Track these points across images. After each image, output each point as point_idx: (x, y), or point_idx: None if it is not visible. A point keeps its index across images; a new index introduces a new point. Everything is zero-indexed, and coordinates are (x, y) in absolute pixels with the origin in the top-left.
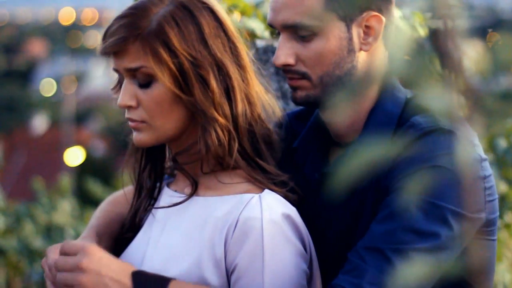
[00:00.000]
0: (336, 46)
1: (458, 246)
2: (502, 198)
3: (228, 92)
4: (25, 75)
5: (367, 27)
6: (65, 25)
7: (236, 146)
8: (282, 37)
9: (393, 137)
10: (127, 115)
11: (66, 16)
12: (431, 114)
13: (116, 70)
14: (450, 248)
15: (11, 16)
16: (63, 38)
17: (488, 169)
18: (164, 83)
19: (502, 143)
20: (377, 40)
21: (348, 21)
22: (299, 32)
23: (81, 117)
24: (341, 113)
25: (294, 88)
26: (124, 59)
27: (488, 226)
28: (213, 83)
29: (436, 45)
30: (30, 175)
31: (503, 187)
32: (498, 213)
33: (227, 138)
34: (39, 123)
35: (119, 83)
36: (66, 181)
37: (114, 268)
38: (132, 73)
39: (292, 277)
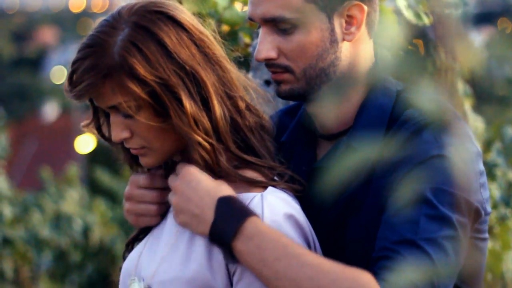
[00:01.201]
0: (318, 38)
1: (468, 235)
2: (510, 186)
3: (205, 101)
4: (35, 63)
5: (349, 16)
6: (76, 12)
7: (222, 157)
8: (262, 30)
9: (387, 131)
10: (125, 145)
11: (77, 3)
12: (425, 108)
13: (97, 107)
14: (466, 236)
15: (21, 4)
16: (74, 25)
17: (481, 164)
18: (141, 119)
19: (510, 131)
20: (360, 29)
21: (329, 11)
22: (279, 26)
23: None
24: (327, 106)
25: (278, 82)
26: (101, 100)
27: (481, 223)
28: (187, 103)
29: (438, 34)
30: (41, 163)
31: (511, 175)
32: (490, 211)
33: (212, 154)
34: (50, 110)
35: (94, 118)
36: (74, 170)
37: (201, 194)
38: (115, 108)
39: None
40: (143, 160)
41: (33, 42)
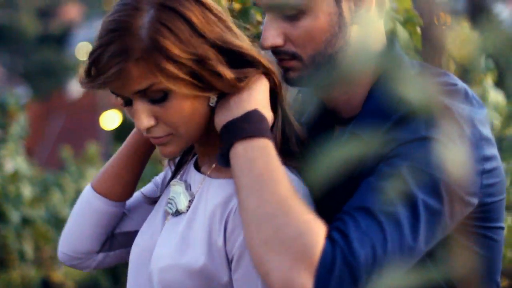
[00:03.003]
0: (326, 23)
1: (445, 224)
2: None
3: (244, 63)
4: (61, 39)
5: None
6: None
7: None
8: (268, 17)
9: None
10: (148, 134)
11: None
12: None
13: (118, 95)
14: (438, 223)
15: None
16: (99, 1)
17: (491, 150)
18: (181, 93)
19: None
20: (370, 11)
21: None
22: (285, 12)
23: None
24: (337, 92)
25: (286, 69)
26: (130, 84)
27: (485, 212)
28: (225, 72)
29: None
30: (67, 139)
31: None
32: (502, 197)
33: None
34: (75, 87)
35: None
36: (94, 149)
37: (251, 97)
38: (142, 93)
39: None
40: (165, 150)
41: (58, 18)
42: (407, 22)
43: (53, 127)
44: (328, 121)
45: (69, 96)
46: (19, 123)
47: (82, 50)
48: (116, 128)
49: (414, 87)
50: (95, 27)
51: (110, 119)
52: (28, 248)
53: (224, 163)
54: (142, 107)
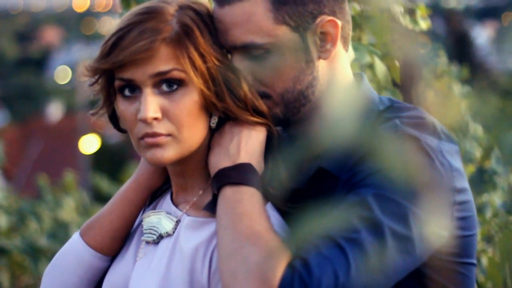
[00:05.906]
0: (293, 60)
1: (415, 253)
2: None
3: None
4: (39, 63)
5: (322, 33)
6: (79, 12)
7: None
8: (234, 58)
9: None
10: (148, 129)
11: (80, 3)
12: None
13: (129, 80)
14: (408, 250)
15: (25, 4)
16: (78, 25)
17: (462, 182)
18: (197, 88)
19: (510, 139)
20: (336, 45)
21: (301, 31)
22: (251, 52)
23: (96, 104)
24: (307, 128)
25: None
26: (152, 64)
27: (457, 247)
28: (245, 86)
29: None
30: (46, 163)
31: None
32: (473, 232)
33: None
34: (55, 110)
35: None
36: (71, 177)
37: (250, 145)
38: (158, 79)
39: None
40: (159, 153)
41: (37, 42)
42: (385, 56)
43: (32, 151)
44: (296, 155)
45: (48, 119)
46: None
47: (61, 73)
48: (95, 153)
49: (379, 125)
50: (74, 51)
51: (89, 143)
52: (5, 278)
53: (211, 207)
54: (152, 96)
